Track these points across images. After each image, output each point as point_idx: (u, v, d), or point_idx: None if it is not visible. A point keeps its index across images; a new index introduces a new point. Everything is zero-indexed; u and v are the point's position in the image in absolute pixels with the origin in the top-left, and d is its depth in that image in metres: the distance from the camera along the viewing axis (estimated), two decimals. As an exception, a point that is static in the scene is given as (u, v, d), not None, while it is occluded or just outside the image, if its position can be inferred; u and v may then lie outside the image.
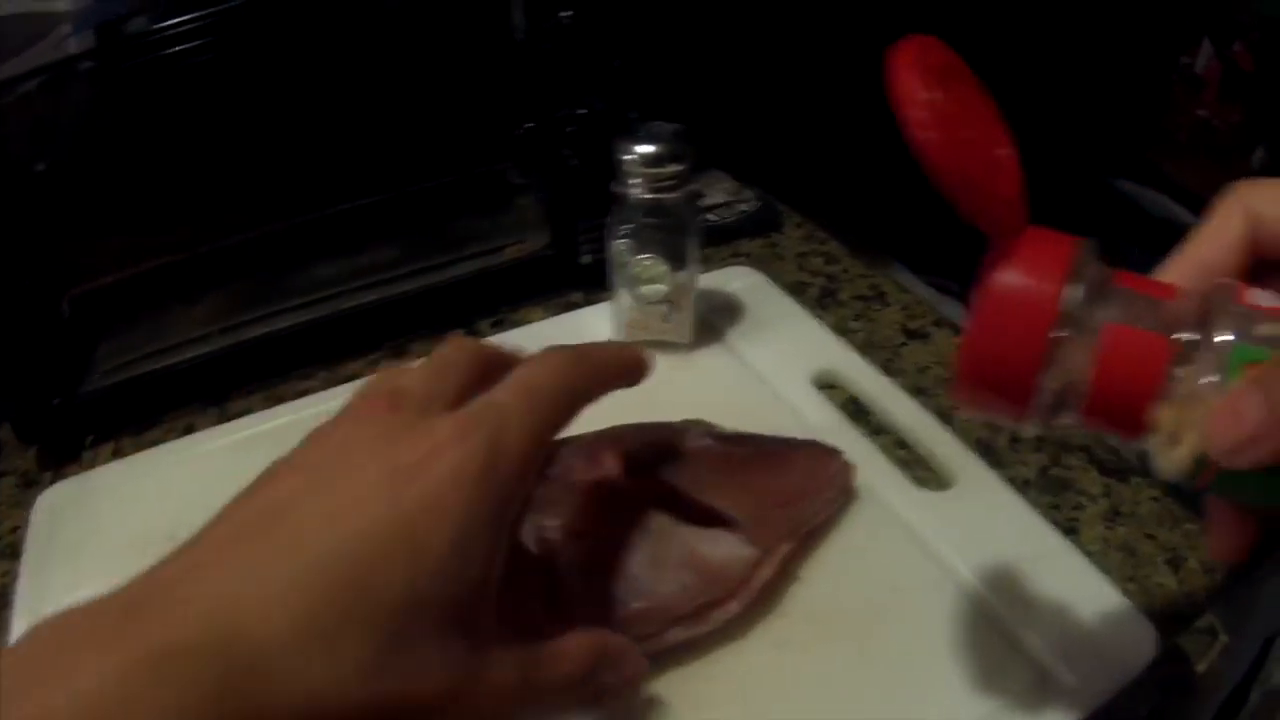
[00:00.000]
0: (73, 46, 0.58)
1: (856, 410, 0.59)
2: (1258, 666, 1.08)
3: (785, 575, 0.47)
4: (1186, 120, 1.82)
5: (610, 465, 0.46)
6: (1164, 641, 0.44)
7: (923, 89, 0.28)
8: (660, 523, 0.45)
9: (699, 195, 0.76)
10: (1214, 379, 0.29)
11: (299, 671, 0.26)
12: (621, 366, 0.40)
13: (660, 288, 0.59)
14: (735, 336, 0.64)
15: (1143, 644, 0.44)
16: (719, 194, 0.82)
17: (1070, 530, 0.51)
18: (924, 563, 0.48)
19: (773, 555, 0.45)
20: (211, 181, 0.65)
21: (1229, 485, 0.30)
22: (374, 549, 0.28)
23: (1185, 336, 0.30)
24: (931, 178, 0.29)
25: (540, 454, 0.33)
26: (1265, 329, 0.29)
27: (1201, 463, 0.29)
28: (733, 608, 0.44)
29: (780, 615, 0.46)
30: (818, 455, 0.50)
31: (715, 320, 0.66)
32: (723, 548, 0.44)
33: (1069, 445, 0.57)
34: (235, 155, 0.64)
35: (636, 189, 0.57)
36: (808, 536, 0.48)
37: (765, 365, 0.61)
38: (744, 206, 0.81)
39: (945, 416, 0.57)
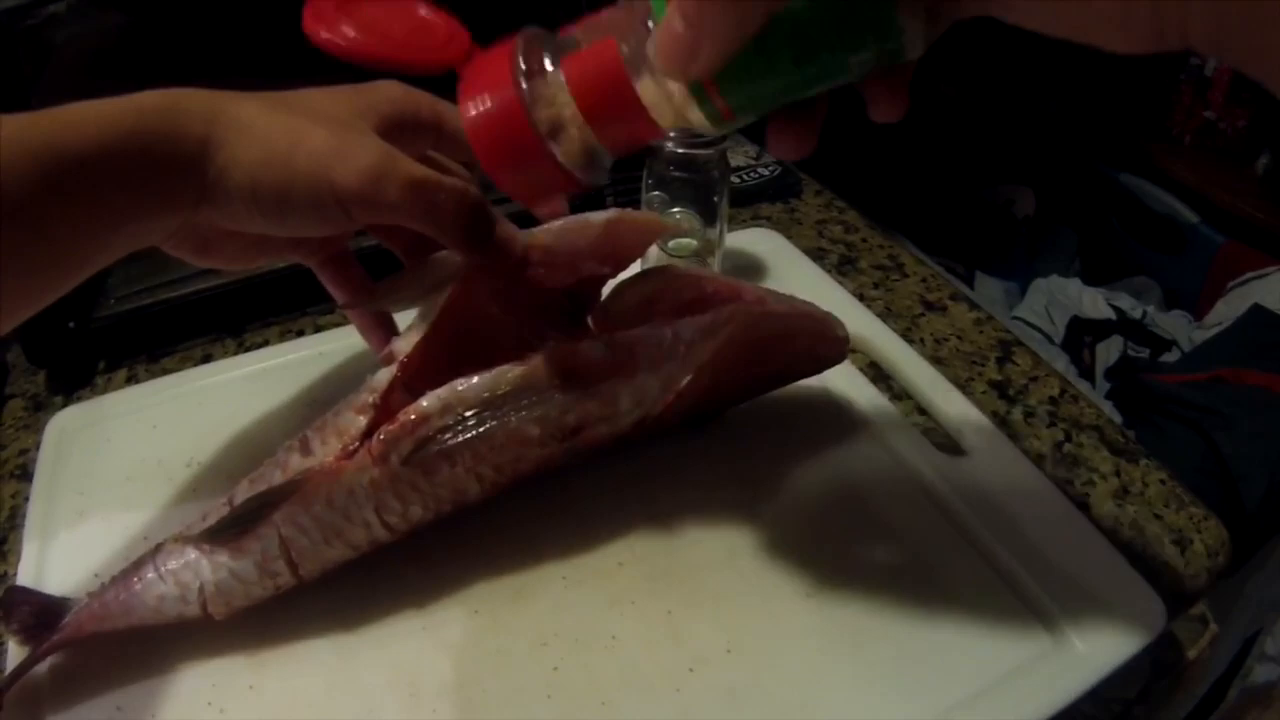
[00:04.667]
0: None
1: (877, 375, 0.59)
2: (1238, 663, 1.09)
3: (820, 532, 0.48)
4: (1193, 121, 1.83)
5: None
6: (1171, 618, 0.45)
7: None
8: None
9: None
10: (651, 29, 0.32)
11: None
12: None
13: (690, 242, 0.59)
14: (759, 296, 0.64)
15: (1153, 617, 0.44)
16: (740, 157, 0.82)
17: (1081, 505, 0.52)
18: (944, 525, 0.48)
19: None
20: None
21: (743, 103, 0.33)
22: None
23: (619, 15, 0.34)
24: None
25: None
26: None
27: (701, 96, 0.33)
28: None
29: (808, 564, 0.46)
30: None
31: (740, 279, 0.65)
32: None
33: (1081, 424, 0.57)
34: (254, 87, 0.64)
35: (671, 142, 0.57)
36: (840, 498, 0.50)
37: (788, 327, 0.61)
38: (764, 171, 0.81)
39: (963, 386, 0.58)
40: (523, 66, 0.35)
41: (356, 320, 0.52)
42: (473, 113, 0.35)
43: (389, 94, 0.45)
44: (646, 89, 0.34)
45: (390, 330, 0.52)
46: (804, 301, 0.51)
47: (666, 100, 0.34)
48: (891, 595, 0.45)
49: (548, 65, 0.35)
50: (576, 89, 0.34)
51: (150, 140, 0.38)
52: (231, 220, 0.41)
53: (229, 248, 0.46)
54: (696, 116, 0.34)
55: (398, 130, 0.44)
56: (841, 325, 0.51)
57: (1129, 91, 1.84)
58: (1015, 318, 1.62)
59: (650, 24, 0.32)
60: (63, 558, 0.48)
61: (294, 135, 0.40)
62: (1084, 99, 1.80)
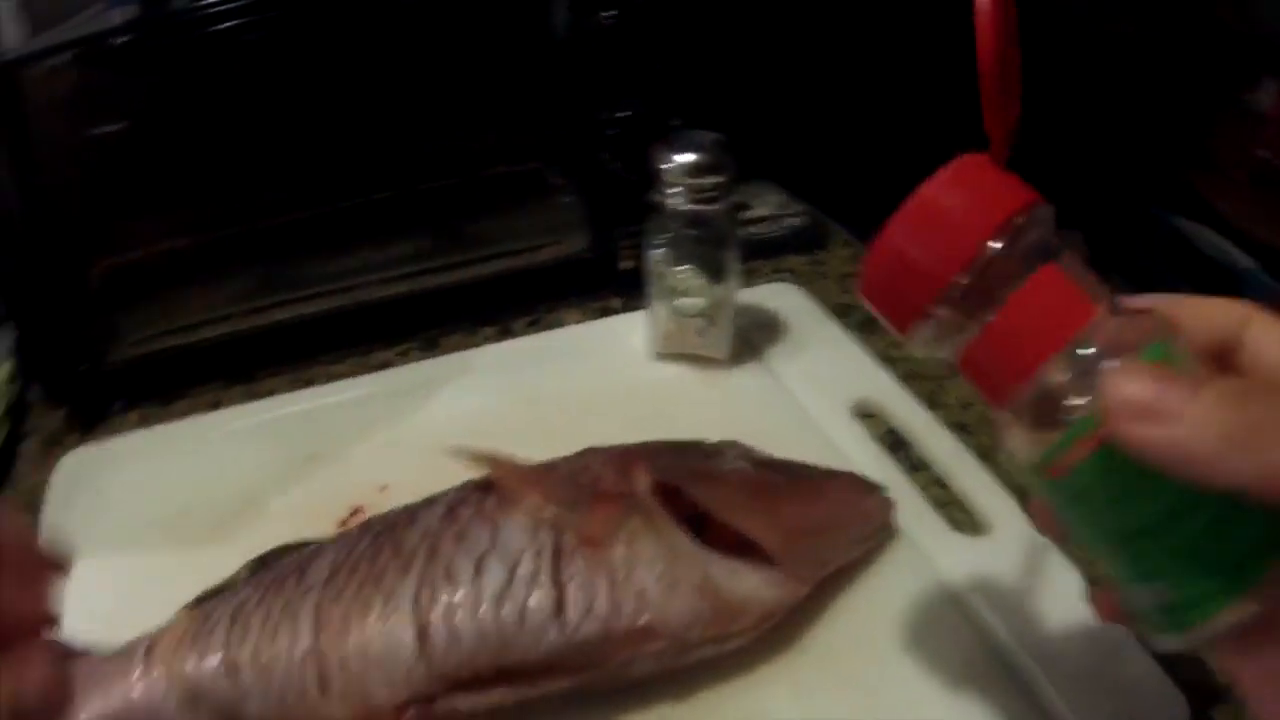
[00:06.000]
0: (114, 19, 0.59)
1: (895, 443, 0.57)
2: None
3: (808, 609, 0.45)
4: (1245, 159, 1.78)
5: (641, 482, 0.44)
6: (1193, 711, 0.42)
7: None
8: (681, 543, 0.42)
9: (741, 207, 0.74)
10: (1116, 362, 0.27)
11: None
12: None
13: (697, 301, 0.57)
14: (774, 356, 0.63)
15: (1172, 713, 0.41)
16: (766, 206, 0.80)
17: (1105, 588, 0.49)
18: (953, 612, 0.46)
19: (795, 592, 0.44)
20: (247, 163, 0.64)
21: (1075, 485, 0.29)
22: None
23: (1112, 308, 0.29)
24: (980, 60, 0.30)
25: None
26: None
27: (1066, 441, 0.28)
28: (740, 642, 0.43)
29: (799, 652, 0.44)
30: (856, 488, 0.49)
31: (754, 338, 0.64)
32: (744, 585, 0.42)
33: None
34: (272, 139, 0.64)
35: (675, 199, 0.55)
36: (837, 572, 0.47)
37: (803, 389, 0.60)
38: (791, 221, 0.79)
39: (986, 456, 0.55)
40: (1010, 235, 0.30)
41: None
42: (929, 208, 0.31)
43: None
44: (1048, 374, 0.29)
45: None
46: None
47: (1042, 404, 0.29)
48: (892, 690, 0.43)
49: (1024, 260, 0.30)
50: (1023, 292, 0.30)
51: None
52: None
53: None
54: (1021, 442, 0.30)
55: None
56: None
57: (1178, 130, 1.81)
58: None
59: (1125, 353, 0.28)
60: (61, 600, 0.48)
61: None
62: (1131, 137, 1.77)
